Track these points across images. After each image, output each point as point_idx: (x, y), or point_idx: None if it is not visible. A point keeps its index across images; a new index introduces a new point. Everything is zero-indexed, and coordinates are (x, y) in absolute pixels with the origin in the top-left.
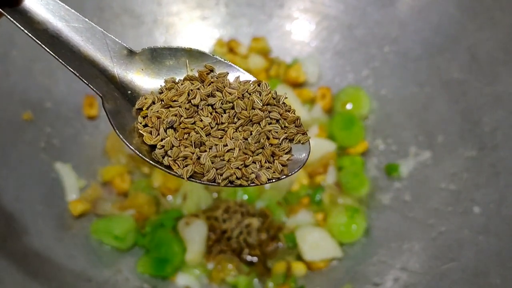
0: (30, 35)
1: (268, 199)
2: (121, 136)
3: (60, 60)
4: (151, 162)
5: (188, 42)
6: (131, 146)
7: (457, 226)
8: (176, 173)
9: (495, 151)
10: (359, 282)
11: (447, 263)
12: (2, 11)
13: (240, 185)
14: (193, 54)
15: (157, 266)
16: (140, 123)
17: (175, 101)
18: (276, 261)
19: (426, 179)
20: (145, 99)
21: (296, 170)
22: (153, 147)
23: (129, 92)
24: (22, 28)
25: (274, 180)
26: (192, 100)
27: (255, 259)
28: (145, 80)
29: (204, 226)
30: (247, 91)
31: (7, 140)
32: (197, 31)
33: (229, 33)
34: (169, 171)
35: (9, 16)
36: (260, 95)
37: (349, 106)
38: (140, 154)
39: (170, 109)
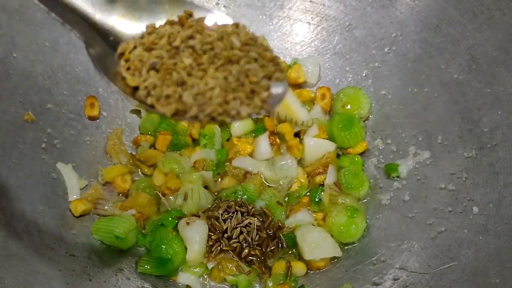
0: None
1: (268, 199)
2: (106, 78)
3: (44, 6)
4: (136, 99)
5: None
6: (116, 86)
7: (456, 225)
8: (159, 111)
9: (494, 151)
10: (358, 281)
11: (446, 262)
12: None
13: (223, 121)
14: (172, 0)
15: (158, 266)
16: (123, 66)
17: (156, 44)
18: (276, 260)
19: (426, 179)
20: (127, 44)
21: (275, 106)
22: (136, 89)
23: (112, 38)
24: None
25: (254, 116)
26: (172, 43)
27: (255, 258)
28: (127, 26)
29: (204, 226)
30: (225, 33)
31: (8, 140)
32: None
33: None
34: (152, 109)
35: None
36: (238, 36)
37: (348, 107)
38: (125, 94)
39: (152, 52)
